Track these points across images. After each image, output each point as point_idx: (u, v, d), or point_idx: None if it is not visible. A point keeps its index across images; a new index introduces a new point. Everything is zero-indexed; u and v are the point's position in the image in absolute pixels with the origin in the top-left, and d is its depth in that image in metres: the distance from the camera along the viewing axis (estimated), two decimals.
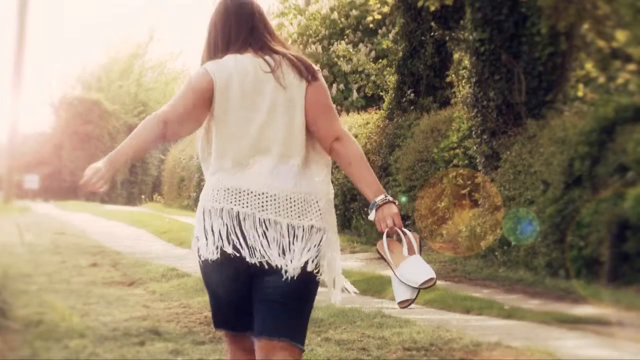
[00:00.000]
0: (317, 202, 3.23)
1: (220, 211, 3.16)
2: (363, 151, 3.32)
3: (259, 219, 3.14)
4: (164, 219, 20.51)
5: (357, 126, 17.40)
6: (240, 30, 3.27)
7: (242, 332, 3.27)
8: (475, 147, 12.54)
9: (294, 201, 3.18)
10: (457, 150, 13.42)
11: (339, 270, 3.31)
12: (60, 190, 34.00)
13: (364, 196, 3.30)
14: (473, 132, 12.57)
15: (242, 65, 3.20)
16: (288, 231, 3.16)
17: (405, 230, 3.23)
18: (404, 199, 14.15)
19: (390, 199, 3.21)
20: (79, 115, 35.24)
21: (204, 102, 3.18)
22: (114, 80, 38.08)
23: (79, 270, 10.64)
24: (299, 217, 3.18)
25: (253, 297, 3.19)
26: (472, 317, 7.68)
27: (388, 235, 3.23)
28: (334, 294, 3.34)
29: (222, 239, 3.14)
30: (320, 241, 3.21)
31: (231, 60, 3.22)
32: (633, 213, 8.75)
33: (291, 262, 3.14)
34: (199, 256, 3.21)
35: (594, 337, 6.69)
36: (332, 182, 3.36)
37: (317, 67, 3.30)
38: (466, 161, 13.16)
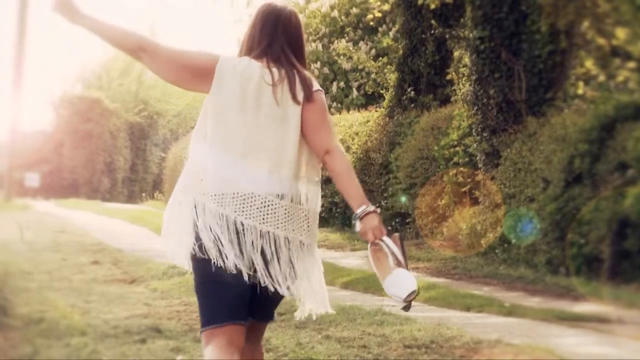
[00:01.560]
0: (306, 216, 3.42)
1: (226, 219, 3.31)
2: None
3: (260, 231, 3.31)
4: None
5: (357, 124, 17.37)
6: (261, 41, 3.45)
7: (245, 320, 3.37)
8: (475, 145, 12.54)
9: (291, 214, 3.37)
10: (458, 148, 13.42)
11: (320, 283, 3.49)
12: (61, 188, 33.99)
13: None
14: (473, 130, 12.57)
15: (250, 69, 3.37)
16: (284, 244, 3.35)
17: (386, 240, 3.38)
18: (403, 198, 14.15)
19: (371, 209, 3.38)
20: (79, 114, 35.21)
21: (188, 72, 3.38)
22: (115, 78, 38.05)
23: (80, 268, 10.65)
24: (293, 230, 3.37)
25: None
26: (472, 314, 7.69)
27: (374, 244, 3.40)
28: (303, 309, 3.51)
29: (233, 249, 3.30)
30: (304, 256, 3.42)
31: (245, 61, 3.40)
32: (633, 211, 8.75)
33: (285, 278, 3.36)
34: (198, 253, 3.34)
35: (594, 335, 6.70)
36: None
37: (316, 88, 3.42)
38: (466, 159, 13.16)
